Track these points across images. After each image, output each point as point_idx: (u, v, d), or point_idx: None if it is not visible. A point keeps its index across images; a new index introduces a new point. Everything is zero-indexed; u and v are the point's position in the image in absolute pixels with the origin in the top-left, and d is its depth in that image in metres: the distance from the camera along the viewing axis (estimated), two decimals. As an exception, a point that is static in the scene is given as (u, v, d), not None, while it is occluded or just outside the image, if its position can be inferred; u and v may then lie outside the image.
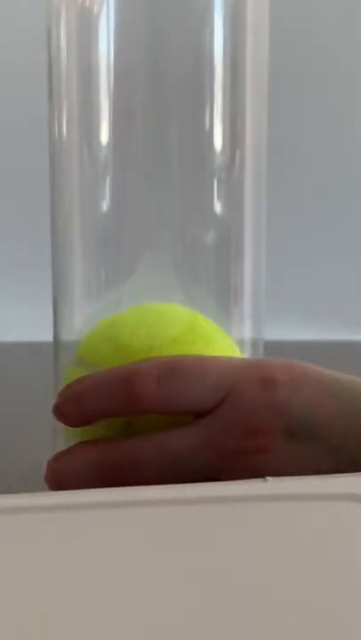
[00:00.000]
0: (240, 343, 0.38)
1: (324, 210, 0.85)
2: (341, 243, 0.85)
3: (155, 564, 0.22)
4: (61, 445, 0.35)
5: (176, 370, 0.32)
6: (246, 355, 0.38)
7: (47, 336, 0.41)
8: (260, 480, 0.26)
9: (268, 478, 0.26)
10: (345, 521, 0.24)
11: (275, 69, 0.37)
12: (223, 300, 0.37)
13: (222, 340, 0.36)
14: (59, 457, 0.34)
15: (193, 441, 0.32)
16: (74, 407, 0.33)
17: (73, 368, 0.36)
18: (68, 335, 0.38)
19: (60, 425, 0.34)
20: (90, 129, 0.35)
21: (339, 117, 0.84)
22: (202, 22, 0.34)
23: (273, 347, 0.39)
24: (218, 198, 0.36)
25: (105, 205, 0.36)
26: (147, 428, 0.33)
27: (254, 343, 0.38)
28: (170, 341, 0.35)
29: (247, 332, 0.38)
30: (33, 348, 0.62)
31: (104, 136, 0.36)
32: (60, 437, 0.36)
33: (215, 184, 0.34)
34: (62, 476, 0.33)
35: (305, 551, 0.22)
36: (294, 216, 0.82)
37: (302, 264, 0.84)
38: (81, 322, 0.38)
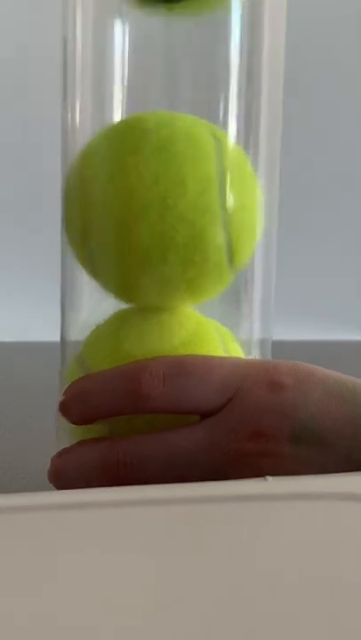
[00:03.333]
0: (248, 343, 0.38)
1: (324, 210, 0.85)
2: (342, 243, 0.85)
3: (155, 563, 0.22)
4: (64, 443, 0.35)
5: (182, 369, 0.32)
6: (255, 355, 0.38)
7: (48, 336, 0.41)
8: (260, 479, 0.26)
9: (269, 477, 0.26)
10: (345, 521, 0.24)
11: (289, 66, 0.37)
12: (231, 299, 0.37)
13: (226, 342, 0.36)
14: (62, 454, 0.34)
15: (198, 442, 0.32)
16: (79, 405, 0.34)
17: (72, 368, 0.36)
18: (75, 335, 0.38)
19: (63, 422, 0.34)
20: (103, 124, 0.35)
21: (345, 118, 0.84)
22: (218, 19, 0.34)
23: (274, 346, 0.39)
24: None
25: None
26: (151, 426, 0.33)
27: (263, 343, 0.38)
28: (173, 343, 0.35)
29: (256, 333, 0.38)
30: (33, 348, 0.62)
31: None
32: (63, 434, 0.36)
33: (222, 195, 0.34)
34: (65, 474, 0.33)
35: (305, 551, 0.22)
36: (295, 216, 0.82)
37: (303, 264, 0.84)
38: (88, 322, 0.38)
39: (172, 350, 0.34)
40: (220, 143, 0.34)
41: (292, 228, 0.81)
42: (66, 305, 0.38)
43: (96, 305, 0.37)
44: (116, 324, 0.36)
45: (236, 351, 0.37)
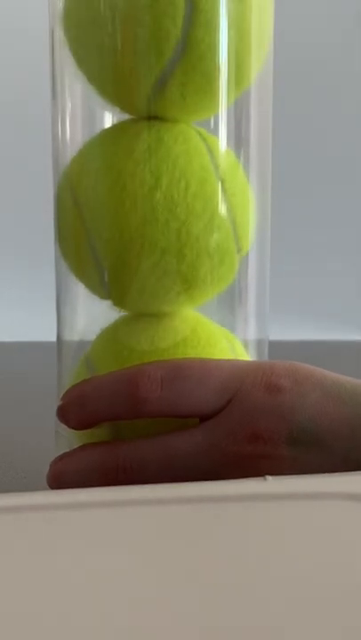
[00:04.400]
0: (245, 344, 0.38)
1: (324, 210, 0.85)
2: (342, 243, 0.85)
3: (154, 563, 0.22)
4: (63, 445, 0.35)
5: (180, 372, 0.32)
6: (252, 355, 0.38)
7: (47, 336, 0.41)
8: (259, 479, 0.26)
9: (268, 477, 0.26)
10: (345, 520, 0.24)
11: (279, 70, 0.37)
12: (228, 300, 0.37)
13: (227, 343, 0.36)
14: (62, 458, 0.34)
15: (197, 444, 0.32)
16: (77, 410, 0.33)
17: (79, 370, 0.36)
18: (71, 335, 0.38)
19: (63, 426, 0.34)
20: (92, 130, 0.35)
21: (342, 119, 0.84)
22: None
23: (273, 347, 0.39)
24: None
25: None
26: (150, 429, 0.33)
27: (259, 343, 0.38)
28: (174, 344, 0.35)
29: (252, 333, 0.38)
30: (33, 348, 0.62)
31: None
32: (62, 438, 0.36)
33: (220, 184, 0.34)
34: (65, 478, 0.33)
35: (305, 550, 0.22)
36: (294, 216, 0.82)
37: (302, 264, 0.84)
38: (84, 321, 0.38)
39: (178, 350, 0.34)
40: (208, 142, 0.34)
41: (293, 228, 0.81)
42: (61, 304, 0.38)
43: (91, 304, 0.37)
44: (122, 326, 0.36)
45: (242, 350, 0.37)
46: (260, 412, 0.32)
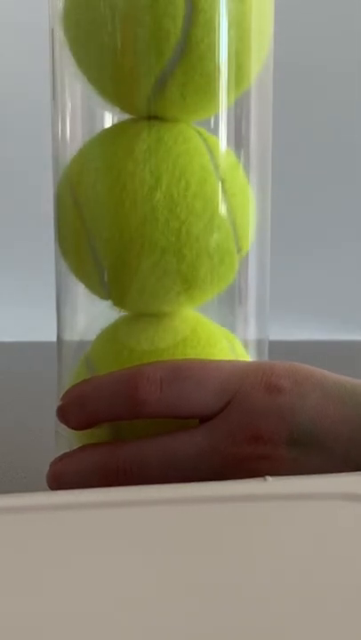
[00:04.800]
0: (245, 344, 0.38)
1: (324, 208, 0.85)
2: (342, 243, 0.85)
3: (155, 563, 0.22)
4: (63, 445, 0.35)
5: (179, 373, 0.32)
6: (252, 355, 0.38)
7: (47, 336, 0.41)
8: (259, 479, 0.26)
9: (268, 478, 0.26)
10: (344, 520, 0.24)
11: (279, 70, 0.37)
12: (228, 300, 0.37)
13: (227, 343, 0.36)
14: (62, 459, 0.34)
15: (197, 446, 0.32)
16: (77, 410, 0.33)
17: (79, 370, 0.36)
18: (71, 335, 0.38)
19: (63, 426, 0.34)
20: (92, 130, 0.35)
21: (343, 119, 0.84)
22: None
23: (273, 347, 0.39)
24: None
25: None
26: (150, 430, 0.33)
27: (259, 343, 0.38)
28: (174, 344, 0.35)
29: (252, 333, 0.38)
30: (33, 348, 0.62)
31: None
32: (62, 438, 0.36)
33: (220, 184, 0.34)
34: (65, 479, 0.33)
35: (305, 550, 0.22)
36: (295, 215, 0.82)
37: (303, 264, 0.84)
38: (84, 321, 0.38)
39: (177, 350, 0.34)
40: (208, 142, 0.34)
41: (293, 228, 0.81)
42: (61, 304, 0.38)
43: (91, 304, 0.37)
44: (122, 326, 0.36)
45: (242, 350, 0.37)
46: (260, 413, 0.32)
